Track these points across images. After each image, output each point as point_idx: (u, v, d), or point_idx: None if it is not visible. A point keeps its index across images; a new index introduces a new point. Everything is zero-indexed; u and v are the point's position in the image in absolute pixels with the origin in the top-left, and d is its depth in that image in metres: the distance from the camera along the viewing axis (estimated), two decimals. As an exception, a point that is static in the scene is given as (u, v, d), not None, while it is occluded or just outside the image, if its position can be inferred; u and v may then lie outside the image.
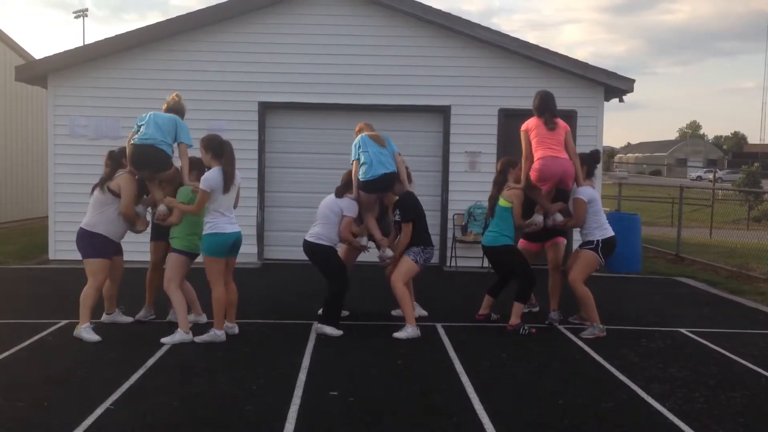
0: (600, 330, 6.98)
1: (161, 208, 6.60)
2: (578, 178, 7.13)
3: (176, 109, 6.87)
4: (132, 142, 6.57)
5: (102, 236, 6.54)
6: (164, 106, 6.90)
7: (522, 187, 7.06)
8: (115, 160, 6.71)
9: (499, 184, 7.16)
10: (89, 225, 6.57)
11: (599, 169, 8.55)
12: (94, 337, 6.45)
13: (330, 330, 6.80)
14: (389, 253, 7.04)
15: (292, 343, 6.51)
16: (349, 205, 6.94)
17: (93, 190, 6.67)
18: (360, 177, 6.90)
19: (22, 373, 5.55)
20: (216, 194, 6.35)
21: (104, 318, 7.02)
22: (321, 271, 7.05)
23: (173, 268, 6.60)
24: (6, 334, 6.64)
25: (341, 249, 7.35)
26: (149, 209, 6.91)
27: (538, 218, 7.16)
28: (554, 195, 7.20)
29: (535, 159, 6.98)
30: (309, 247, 6.97)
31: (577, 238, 7.64)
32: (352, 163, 7.04)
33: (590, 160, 7.43)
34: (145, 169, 6.60)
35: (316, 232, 6.95)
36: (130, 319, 7.15)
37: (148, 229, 7.01)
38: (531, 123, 7.17)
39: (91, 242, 6.54)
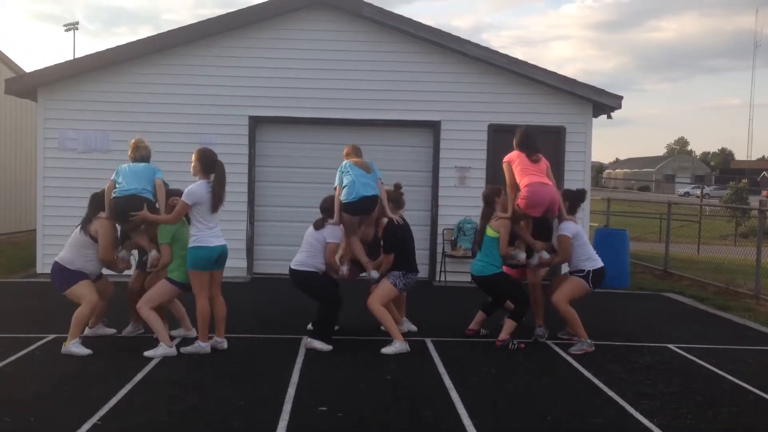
0: (588, 345, 7.00)
1: (153, 254, 6.59)
2: (561, 213, 7.17)
3: (145, 156, 6.81)
4: (113, 195, 6.53)
5: (77, 272, 6.53)
6: (130, 154, 6.80)
7: (509, 216, 7.07)
8: (97, 201, 6.68)
9: (487, 216, 7.16)
10: (66, 261, 6.54)
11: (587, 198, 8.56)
12: (84, 350, 6.42)
13: (319, 344, 6.80)
14: (375, 275, 7.06)
15: (281, 358, 6.49)
16: (331, 233, 6.97)
17: (77, 227, 6.67)
18: (342, 199, 6.94)
19: (8, 388, 5.51)
20: (200, 208, 6.37)
21: (87, 332, 6.97)
22: (310, 296, 7.10)
23: (158, 294, 6.58)
24: (-8, 348, 6.59)
25: None
26: (133, 253, 6.93)
27: (520, 255, 7.17)
28: (536, 230, 7.23)
29: (521, 186, 6.98)
30: (294, 274, 7.03)
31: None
32: (335, 189, 7.07)
33: (575, 198, 7.45)
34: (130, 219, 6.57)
35: (301, 261, 6.99)
36: (113, 331, 7.15)
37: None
38: (513, 155, 7.22)
39: (65, 276, 6.52)
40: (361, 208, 6.95)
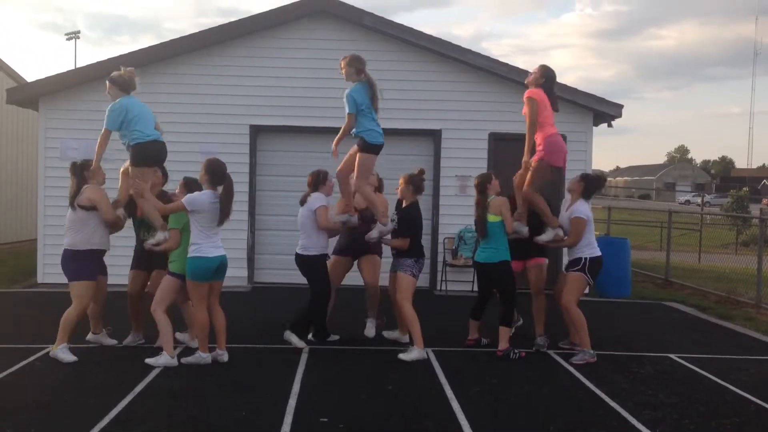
0: (590, 355, 6.97)
1: (161, 236, 6.51)
2: (573, 195, 7.26)
3: (133, 85, 6.67)
4: (137, 141, 6.39)
5: (87, 253, 6.51)
6: (121, 75, 6.60)
7: (525, 160, 7.07)
8: (80, 170, 6.65)
9: (482, 204, 7.10)
10: (72, 245, 6.55)
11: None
12: (70, 357, 6.41)
13: (296, 340, 7.00)
14: (390, 227, 7.03)
15: (282, 369, 6.47)
16: (316, 199, 7.03)
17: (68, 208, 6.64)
18: (370, 141, 6.75)
19: (8, 399, 5.50)
20: (199, 217, 6.36)
21: (89, 337, 6.98)
22: (309, 280, 7.16)
23: (165, 291, 6.56)
24: (-7, 358, 6.57)
25: (329, 264, 7.33)
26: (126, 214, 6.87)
27: (523, 229, 7.15)
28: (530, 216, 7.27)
29: (539, 137, 7.04)
30: (299, 259, 7.14)
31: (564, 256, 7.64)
32: (346, 116, 6.75)
33: (592, 182, 7.36)
34: (161, 163, 6.72)
35: (303, 245, 7.11)
36: (114, 342, 7.14)
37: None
38: (541, 94, 7.14)
39: (76, 263, 6.51)
40: (379, 151, 6.91)
